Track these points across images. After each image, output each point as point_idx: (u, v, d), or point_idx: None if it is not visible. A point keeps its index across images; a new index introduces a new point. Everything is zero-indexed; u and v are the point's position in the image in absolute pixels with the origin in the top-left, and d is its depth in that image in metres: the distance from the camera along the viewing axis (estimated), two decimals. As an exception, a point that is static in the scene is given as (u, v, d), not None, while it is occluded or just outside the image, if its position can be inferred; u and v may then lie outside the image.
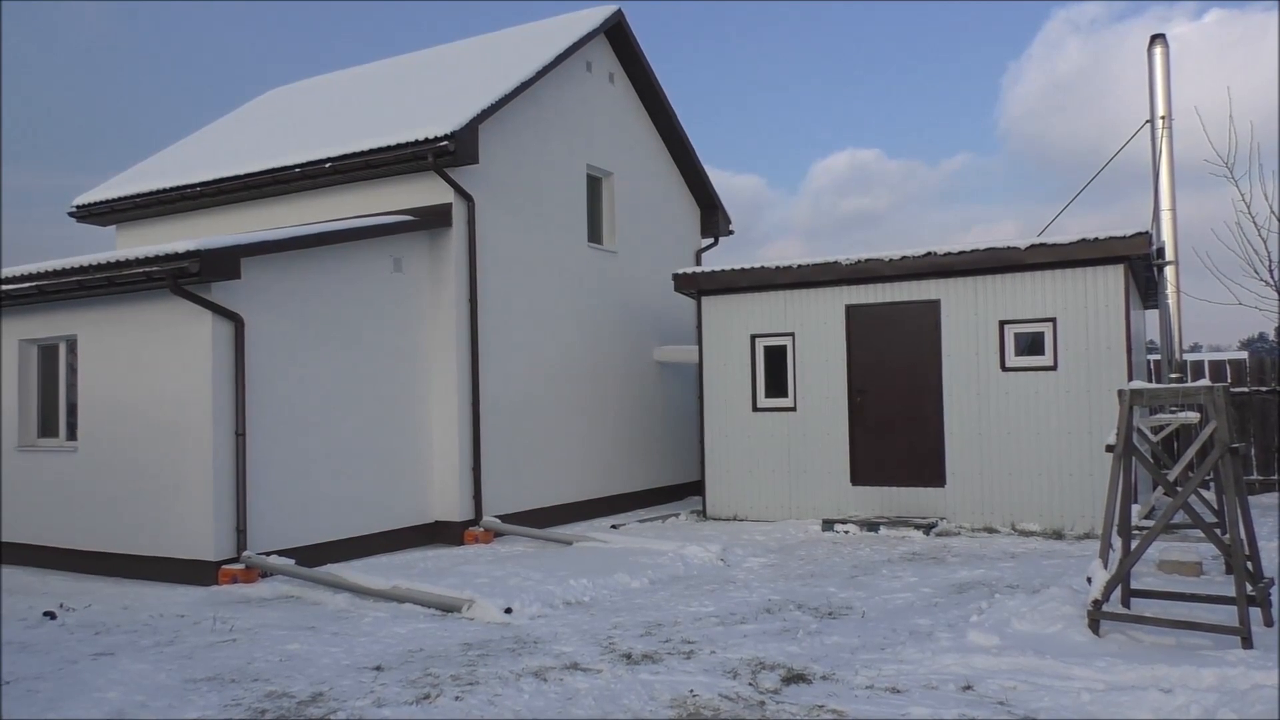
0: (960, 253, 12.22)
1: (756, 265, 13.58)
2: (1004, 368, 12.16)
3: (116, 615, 8.29)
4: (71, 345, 11.18)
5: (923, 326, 12.65)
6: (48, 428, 11.57)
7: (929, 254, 12.38)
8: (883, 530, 11.93)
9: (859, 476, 12.94)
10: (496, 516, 12.48)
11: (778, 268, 13.41)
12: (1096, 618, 6.46)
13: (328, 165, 12.58)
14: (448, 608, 8.11)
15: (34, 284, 10.63)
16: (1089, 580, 6.65)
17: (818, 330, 13.31)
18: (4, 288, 10.91)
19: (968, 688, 5.60)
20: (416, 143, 11.93)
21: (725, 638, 6.97)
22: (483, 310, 12.68)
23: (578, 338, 14.54)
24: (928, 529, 11.76)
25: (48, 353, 11.60)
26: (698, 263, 17.62)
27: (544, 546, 11.56)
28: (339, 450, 11.06)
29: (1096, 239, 11.47)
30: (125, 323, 10.47)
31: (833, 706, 5.33)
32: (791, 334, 13.51)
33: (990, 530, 11.94)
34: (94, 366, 10.76)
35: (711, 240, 18.17)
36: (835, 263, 12.95)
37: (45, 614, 8.30)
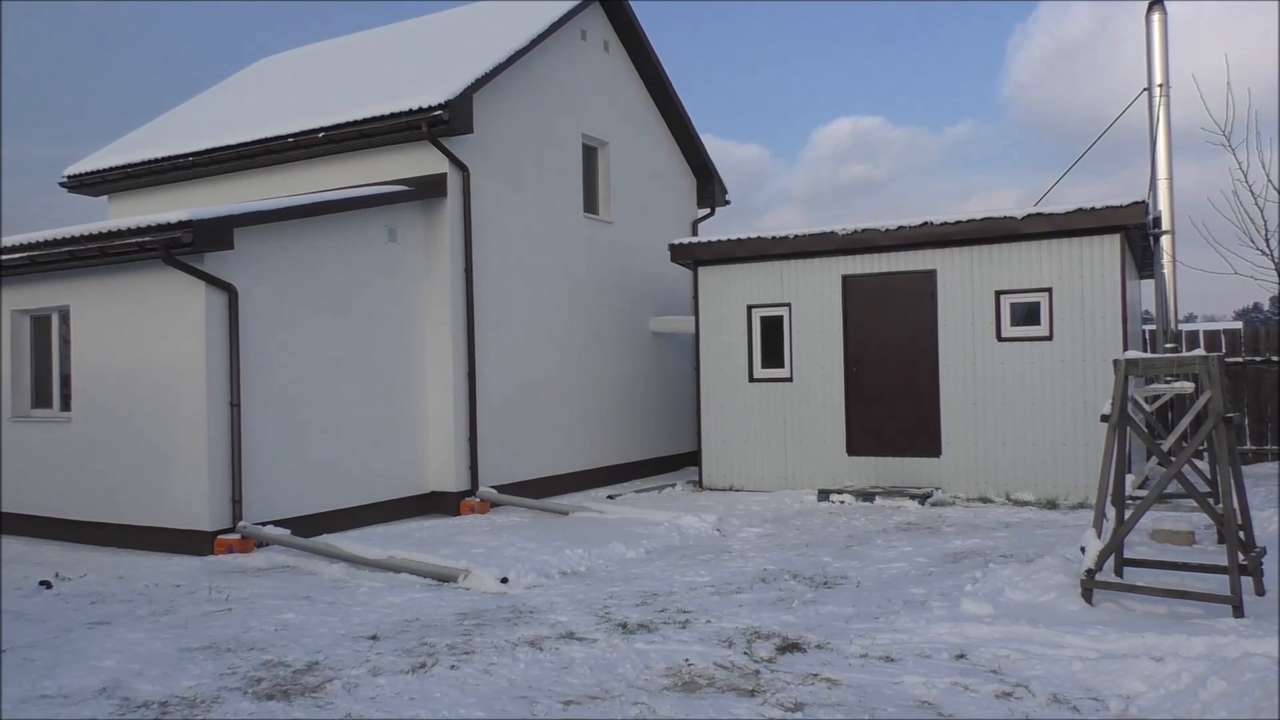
0: (957, 222, 12.17)
1: (753, 235, 13.53)
2: (1000, 338, 12.14)
3: (112, 585, 8.30)
4: (64, 316, 11.13)
5: (919, 296, 12.62)
6: (41, 398, 11.54)
7: (925, 224, 12.34)
8: (878, 500, 11.96)
9: (855, 447, 12.96)
10: (493, 487, 12.50)
11: (774, 238, 13.35)
12: (1089, 587, 6.49)
13: (321, 135, 12.48)
14: (443, 577, 8.13)
15: (26, 254, 10.56)
16: (1082, 550, 6.67)
17: (814, 300, 13.28)
18: (-5, 258, 10.85)
19: (961, 656, 5.63)
20: (410, 112, 11.83)
21: (720, 607, 7.00)
22: (478, 280, 12.63)
23: (574, 308, 14.49)
24: (923, 499, 11.80)
25: (40, 323, 11.55)
26: (694, 233, 17.55)
27: (540, 517, 11.59)
28: (334, 420, 11.04)
29: (1093, 208, 11.42)
30: (118, 293, 10.41)
31: (827, 675, 5.36)
32: (788, 304, 13.48)
33: (985, 500, 11.98)
34: (87, 337, 10.72)
35: (708, 210, 18.09)
36: (832, 233, 12.90)
37: (41, 583, 8.31)
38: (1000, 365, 12.12)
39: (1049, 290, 11.86)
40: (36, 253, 10.48)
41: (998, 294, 12.17)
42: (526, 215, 13.60)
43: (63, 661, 5.98)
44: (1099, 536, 6.60)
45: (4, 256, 10.78)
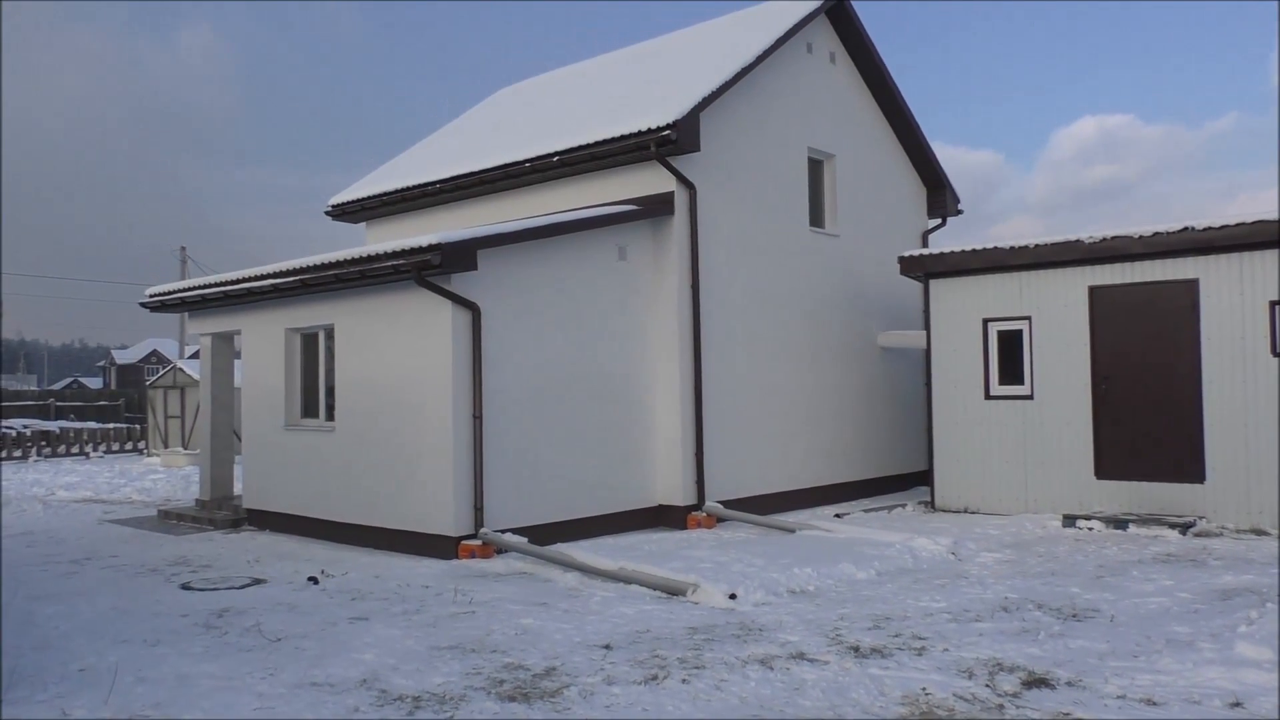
0: (1223, 227, 11.14)
1: (989, 246, 12.93)
2: (1275, 353, 10.98)
3: (369, 583, 8.95)
4: (329, 333, 12.14)
5: (1178, 309, 11.63)
6: (309, 409, 12.63)
7: (1186, 229, 11.36)
8: (1132, 528, 11.09)
9: (1104, 469, 12.07)
10: (718, 501, 12.54)
11: (1012, 248, 12.70)
12: (1395, 636, 5.73)
13: (555, 159, 13.00)
14: (673, 591, 8.22)
15: (298, 278, 11.60)
16: (1385, 593, 5.90)
17: (1057, 313, 12.52)
18: (274, 281, 11.97)
19: (1237, 705, 5.10)
20: (639, 133, 12.12)
21: (959, 635, 6.69)
22: (705, 296, 12.75)
23: (799, 322, 14.36)
24: (1184, 528, 10.83)
25: (309, 340, 12.65)
26: (924, 244, 16.98)
27: (766, 533, 11.51)
28: (567, 433, 11.44)
29: (1392, 207, 10.14)
30: (375, 312, 11.26)
31: (1080, 715, 5.00)
32: (1028, 317, 12.77)
33: (1258, 532, 10.85)
34: (348, 352, 11.64)
35: (939, 221, 17.45)
36: (1077, 241, 12.12)
37: (310, 579, 9.09)
38: (1276, 383, 10.94)
39: (1336, 300, 10.62)
40: (307, 276, 11.48)
41: (1273, 305, 11.02)
42: (752, 230, 13.61)
43: (329, 653, 6.50)
44: (1406, 579, 5.82)
45: (280, 280, 11.88)
